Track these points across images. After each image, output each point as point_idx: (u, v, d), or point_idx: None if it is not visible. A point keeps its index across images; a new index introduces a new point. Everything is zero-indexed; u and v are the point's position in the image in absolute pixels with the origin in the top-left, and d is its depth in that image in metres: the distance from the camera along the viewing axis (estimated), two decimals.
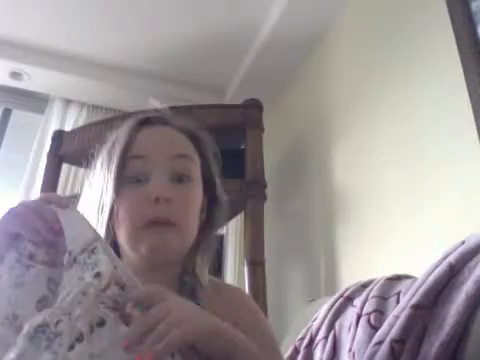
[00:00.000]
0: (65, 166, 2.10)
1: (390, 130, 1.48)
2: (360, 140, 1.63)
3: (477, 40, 1.19)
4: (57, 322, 0.46)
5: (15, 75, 2.34)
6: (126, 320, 0.49)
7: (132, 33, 2.20)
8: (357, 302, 0.84)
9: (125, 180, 0.66)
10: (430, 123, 1.30)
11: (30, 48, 2.27)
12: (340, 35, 1.93)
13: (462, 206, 1.13)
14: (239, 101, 1.88)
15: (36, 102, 2.52)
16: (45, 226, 0.53)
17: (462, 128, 1.18)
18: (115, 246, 0.66)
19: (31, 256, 0.52)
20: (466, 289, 0.57)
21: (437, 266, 0.66)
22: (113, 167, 0.67)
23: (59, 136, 1.96)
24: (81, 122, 2.40)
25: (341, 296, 0.91)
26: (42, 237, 0.53)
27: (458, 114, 1.20)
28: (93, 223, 0.66)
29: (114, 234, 0.66)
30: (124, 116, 1.94)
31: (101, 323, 0.47)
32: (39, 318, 0.46)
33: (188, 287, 0.67)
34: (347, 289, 0.92)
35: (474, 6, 1.22)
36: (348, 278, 1.52)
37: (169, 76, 2.45)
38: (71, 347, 0.45)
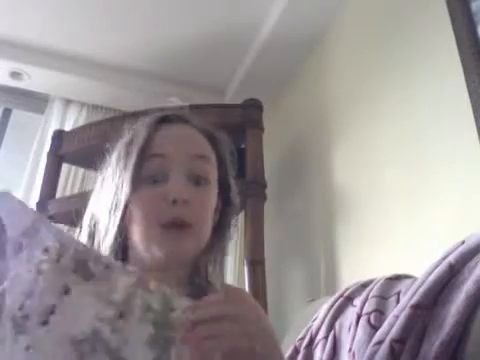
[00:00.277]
0: (65, 166, 2.11)
1: (390, 130, 1.48)
2: (360, 140, 1.63)
3: (477, 40, 1.19)
4: (20, 306, 0.46)
5: (15, 75, 2.34)
6: (88, 277, 0.49)
7: (132, 33, 2.20)
8: (357, 302, 0.84)
9: (142, 179, 0.65)
10: (430, 123, 1.30)
11: (30, 48, 2.27)
12: (340, 35, 1.93)
13: (462, 206, 1.14)
14: (239, 101, 1.88)
15: (36, 102, 2.52)
16: None
17: (462, 128, 1.18)
18: (124, 244, 0.65)
19: None
20: (466, 289, 0.57)
21: (437, 266, 0.66)
22: (130, 165, 0.65)
23: (59, 136, 1.96)
24: (81, 122, 2.39)
25: (341, 296, 0.91)
26: None
27: (458, 114, 1.20)
28: (105, 221, 0.66)
29: (125, 232, 0.65)
30: (124, 116, 1.95)
31: (67, 291, 0.47)
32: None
33: (197, 287, 0.66)
34: (347, 289, 0.92)
35: (474, 6, 1.22)
36: (348, 278, 1.52)
37: (169, 76, 2.45)
38: (45, 323, 0.46)
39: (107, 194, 0.68)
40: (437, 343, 0.57)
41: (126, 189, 0.64)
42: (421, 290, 0.63)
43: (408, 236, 1.30)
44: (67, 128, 2.29)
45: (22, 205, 0.55)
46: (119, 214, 0.64)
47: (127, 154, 0.68)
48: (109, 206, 0.66)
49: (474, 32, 1.20)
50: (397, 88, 1.48)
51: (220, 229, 0.72)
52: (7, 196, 0.56)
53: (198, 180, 0.67)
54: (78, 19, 2.12)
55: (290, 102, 2.31)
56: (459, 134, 1.19)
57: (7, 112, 2.50)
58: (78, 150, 1.86)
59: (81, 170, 2.27)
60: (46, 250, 0.50)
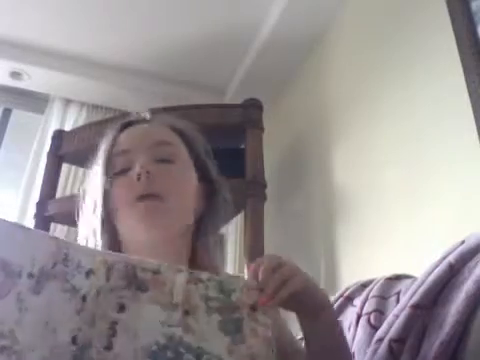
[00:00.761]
0: (65, 166, 2.10)
1: (390, 130, 1.48)
2: (360, 140, 1.63)
3: (477, 40, 1.19)
4: (73, 340, 0.45)
5: (15, 75, 2.34)
6: (143, 287, 0.49)
7: (132, 33, 2.20)
8: (357, 302, 0.84)
9: (114, 175, 0.70)
10: (430, 123, 1.30)
11: (30, 48, 2.27)
12: (340, 35, 1.93)
13: (462, 206, 1.14)
14: (239, 101, 1.88)
15: (36, 102, 2.52)
16: None
17: (462, 128, 1.18)
18: (116, 241, 0.69)
19: None
20: (466, 289, 0.57)
21: (437, 266, 0.66)
22: (101, 166, 0.72)
23: (59, 136, 1.96)
24: (81, 122, 2.39)
25: (341, 296, 0.91)
26: None
27: (458, 114, 1.20)
28: (91, 220, 0.70)
29: (114, 227, 0.69)
30: (124, 116, 1.94)
31: (122, 308, 0.47)
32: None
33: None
34: (347, 289, 0.92)
35: (474, 6, 1.22)
36: (348, 278, 1.52)
37: (169, 76, 2.44)
38: (108, 347, 0.45)
39: (89, 199, 0.74)
40: (437, 343, 0.57)
41: (99, 185, 0.70)
42: (421, 290, 0.63)
43: (408, 236, 1.30)
44: (67, 128, 2.29)
45: (33, 235, 0.52)
46: (99, 211, 0.69)
47: (104, 166, 0.73)
48: (91, 208, 0.72)
49: (474, 32, 1.20)
50: (397, 88, 1.48)
51: (210, 211, 0.75)
52: (8, 229, 0.51)
53: (163, 160, 0.71)
54: (78, 19, 2.12)
55: (290, 102, 2.31)
56: (459, 134, 1.19)
57: (7, 112, 2.49)
58: (78, 150, 1.86)
59: (81, 170, 2.26)
60: (90, 272, 0.49)
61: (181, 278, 0.50)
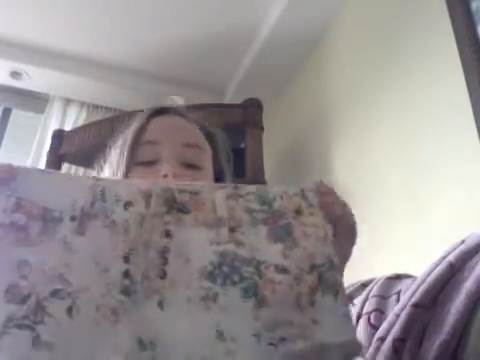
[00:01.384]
0: (65, 166, 2.10)
1: (390, 129, 1.48)
2: (360, 139, 1.63)
3: (477, 40, 1.19)
4: (126, 273, 0.44)
5: (15, 75, 2.34)
6: (185, 209, 0.48)
7: (132, 33, 2.20)
8: (357, 301, 0.84)
9: (136, 164, 0.68)
10: (430, 122, 1.30)
11: (30, 48, 2.27)
12: (340, 35, 1.93)
13: (462, 205, 1.14)
14: (239, 101, 1.88)
15: (36, 102, 2.52)
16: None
17: (462, 128, 1.18)
18: None
19: None
20: (466, 288, 0.57)
21: (437, 265, 0.66)
22: (125, 151, 0.69)
23: (59, 136, 1.96)
24: (81, 122, 2.39)
25: None
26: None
27: (458, 113, 1.20)
28: None
29: None
30: (124, 116, 1.95)
31: (169, 234, 0.47)
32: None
33: None
34: (347, 288, 0.92)
35: (474, 6, 1.22)
36: (348, 277, 1.52)
37: (169, 76, 2.45)
38: (163, 276, 0.44)
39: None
40: (437, 343, 0.57)
41: (121, 171, 0.68)
42: (421, 289, 0.63)
43: (408, 235, 1.30)
44: (67, 128, 2.29)
45: (68, 180, 0.51)
46: None
47: (124, 143, 0.71)
48: None
49: (474, 32, 1.20)
50: (397, 87, 1.48)
51: None
52: (47, 176, 0.50)
53: (190, 165, 0.69)
54: (78, 19, 2.12)
55: (290, 102, 2.31)
56: (459, 134, 1.19)
57: (7, 112, 2.49)
58: (78, 150, 1.86)
59: (81, 170, 2.26)
60: (128, 204, 0.48)
61: (221, 194, 0.49)
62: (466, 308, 0.56)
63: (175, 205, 0.48)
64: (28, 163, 2.29)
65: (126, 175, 0.67)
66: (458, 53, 1.22)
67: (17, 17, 2.12)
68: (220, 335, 0.42)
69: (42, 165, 2.08)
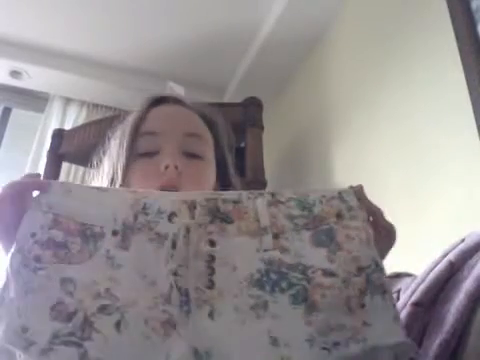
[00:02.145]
0: (65, 165, 2.10)
1: (391, 129, 1.48)
2: (360, 139, 1.63)
3: (477, 39, 1.19)
4: (172, 285, 0.44)
5: (15, 74, 2.34)
6: (229, 219, 0.48)
7: (132, 32, 2.20)
8: None
9: (137, 155, 0.67)
10: (430, 121, 1.30)
11: (30, 47, 2.27)
12: (340, 34, 1.92)
13: (463, 205, 1.13)
14: (239, 100, 1.88)
15: (36, 101, 2.52)
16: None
17: (462, 127, 1.18)
18: None
19: (37, 258, 0.45)
20: (466, 287, 0.57)
21: (437, 264, 0.66)
22: (125, 142, 0.68)
23: (59, 135, 1.96)
24: (81, 121, 2.39)
25: None
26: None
27: (458, 113, 1.20)
28: None
29: None
30: (124, 114, 1.94)
31: (213, 244, 0.47)
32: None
33: None
34: None
35: (474, 5, 1.22)
36: None
37: (169, 75, 2.44)
38: (210, 286, 0.44)
39: (105, 173, 0.70)
40: (437, 342, 0.57)
41: (121, 165, 0.67)
42: (421, 288, 0.63)
43: (409, 235, 1.29)
44: (67, 127, 2.29)
45: (110, 194, 0.50)
46: (118, 185, 0.66)
47: (123, 134, 0.70)
48: (107, 183, 0.68)
49: (474, 31, 1.20)
50: (398, 87, 1.48)
51: None
52: (87, 192, 0.50)
53: (192, 155, 0.68)
54: (78, 18, 2.12)
55: (290, 101, 2.31)
56: (459, 133, 1.19)
57: (7, 111, 2.49)
58: (78, 149, 1.86)
59: (81, 169, 2.26)
60: (173, 215, 0.48)
61: (262, 202, 0.49)
62: (466, 308, 0.56)
63: (218, 215, 0.48)
64: (28, 162, 2.29)
65: (126, 167, 0.66)
66: (458, 52, 1.22)
67: (17, 16, 2.12)
68: (274, 341, 0.42)
69: (42, 164, 2.08)
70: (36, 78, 2.37)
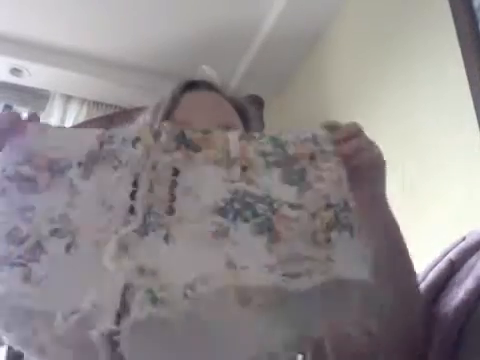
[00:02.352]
0: None
1: (392, 127, 1.47)
2: None
3: (479, 37, 1.19)
4: (130, 209, 0.44)
5: (15, 71, 2.33)
6: (196, 147, 0.47)
7: (132, 29, 2.19)
8: None
9: None
10: (431, 120, 1.30)
11: (30, 44, 2.27)
12: (341, 31, 1.92)
13: (464, 203, 1.13)
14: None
15: (37, 98, 2.52)
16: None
17: (463, 125, 1.17)
18: None
19: (3, 190, 0.47)
20: (465, 286, 0.57)
21: (437, 262, 0.66)
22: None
23: None
24: (81, 118, 2.39)
25: None
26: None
27: (460, 111, 1.20)
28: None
29: None
30: (124, 112, 1.94)
31: (176, 173, 0.46)
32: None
33: None
34: None
35: (476, 3, 1.21)
36: None
37: (170, 72, 2.44)
38: (170, 212, 0.44)
39: None
40: (437, 340, 0.57)
41: None
42: (422, 287, 0.63)
43: (409, 234, 1.29)
44: (68, 124, 2.29)
45: (76, 131, 0.52)
46: None
47: (154, 119, 0.67)
48: None
49: (476, 29, 1.20)
50: (399, 84, 1.48)
51: None
52: (55, 131, 0.52)
53: None
54: (78, 15, 2.11)
55: (291, 98, 2.30)
56: (461, 131, 1.19)
57: (7, 109, 2.49)
58: None
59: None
60: (136, 140, 0.47)
61: (233, 135, 0.49)
62: (465, 307, 0.56)
63: (184, 141, 0.47)
64: None
65: None
66: (460, 50, 1.21)
67: (17, 14, 2.11)
68: (230, 263, 0.41)
69: None
70: (36, 76, 2.37)
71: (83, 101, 2.50)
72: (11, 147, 0.49)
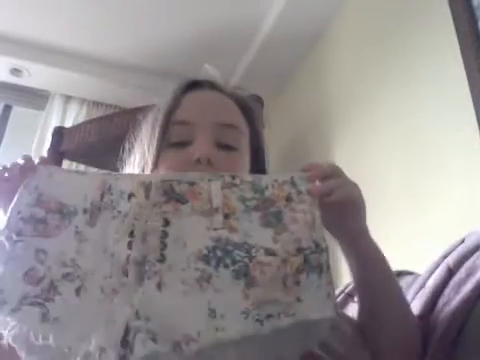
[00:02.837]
0: (66, 163, 2.10)
1: (392, 127, 1.47)
2: (361, 136, 1.63)
3: (479, 36, 1.19)
4: (127, 257, 0.49)
5: (15, 71, 2.33)
6: (183, 199, 0.52)
7: (132, 29, 2.19)
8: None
9: (168, 144, 0.65)
10: (431, 120, 1.30)
11: (30, 44, 2.27)
12: (342, 30, 1.92)
13: (464, 204, 1.13)
14: None
15: (36, 98, 2.52)
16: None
17: (463, 125, 1.17)
18: None
19: (19, 232, 0.52)
20: (463, 290, 0.57)
21: (437, 265, 0.66)
22: (156, 131, 0.65)
23: (59, 132, 1.96)
24: (81, 118, 2.39)
25: (342, 292, 0.91)
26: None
27: (460, 110, 1.19)
28: None
29: None
30: (124, 112, 1.94)
31: (167, 223, 0.51)
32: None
33: None
34: (348, 285, 0.92)
35: (476, 2, 1.21)
36: (349, 275, 1.52)
37: (170, 72, 2.44)
38: (161, 260, 0.49)
39: (137, 161, 0.69)
40: (435, 338, 0.57)
41: (152, 154, 0.65)
42: (421, 295, 0.64)
43: (410, 233, 1.30)
44: (67, 125, 2.29)
45: (79, 176, 0.56)
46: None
47: (155, 120, 0.67)
48: (139, 171, 0.67)
49: (476, 28, 1.19)
50: (399, 84, 1.48)
51: None
52: (63, 174, 0.57)
53: (226, 146, 0.65)
54: (78, 15, 2.11)
55: (291, 98, 2.30)
56: (460, 131, 1.19)
57: (7, 109, 2.49)
58: (78, 147, 1.85)
59: (82, 167, 2.26)
60: (131, 196, 0.53)
61: (216, 185, 0.53)
62: (463, 309, 0.56)
63: (173, 195, 0.52)
64: None
65: (157, 156, 0.64)
66: (459, 49, 1.21)
67: (17, 14, 2.11)
68: (212, 312, 0.46)
69: None
70: (36, 76, 2.37)
71: (83, 101, 2.50)
72: (24, 190, 0.54)
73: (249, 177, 0.55)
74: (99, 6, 2.06)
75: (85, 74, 2.36)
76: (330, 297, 0.49)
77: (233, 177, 0.54)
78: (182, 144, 0.64)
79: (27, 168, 0.54)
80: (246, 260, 0.49)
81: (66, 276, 0.49)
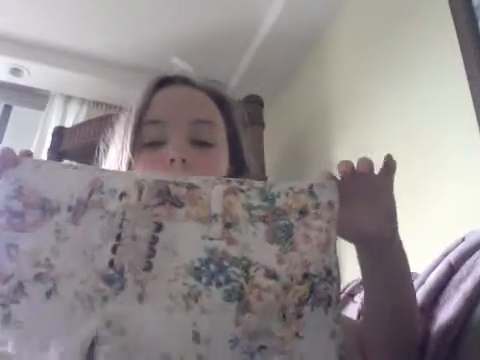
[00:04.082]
0: (65, 163, 2.10)
1: (391, 126, 1.47)
2: (361, 136, 1.63)
3: (479, 35, 1.19)
4: (110, 262, 0.44)
5: (15, 71, 2.33)
6: (179, 203, 0.46)
7: (132, 29, 2.19)
8: (358, 298, 0.84)
9: (142, 144, 0.63)
10: (431, 119, 1.30)
11: (30, 44, 2.27)
12: (341, 31, 1.92)
13: (464, 204, 1.13)
14: (239, 97, 1.87)
15: (36, 98, 2.52)
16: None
17: (463, 124, 1.17)
18: None
19: None
20: (464, 287, 0.57)
21: (438, 263, 0.66)
22: (129, 132, 0.63)
23: (59, 132, 1.96)
24: (81, 118, 2.39)
25: (342, 292, 0.91)
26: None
27: (460, 109, 1.20)
28: None
29: None
30: (125, 112, 1.94)
31: (159, 228, 0.45)
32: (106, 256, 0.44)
33: None
34: (348, 285, 0.92)
35: (475, 1, 1.21)
36: (349, 274, 1.52)
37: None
38: (148, 268, 0.43)
39: (113, 162, 0.67)
40: (435, 340, 0.57)
41: (126, 155, 0.63)
42: (421, 291, 0.64)
43: (410, 233, 1.29)
44: (67, 124, 2.29)
45: (69, 172, 0.50)
46: None
47: (128, 121, 0.65)
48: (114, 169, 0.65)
49: (476, 27, 1.20)
50: (398, 84, 1.48)
51: None
52: (50, 169, 0.51)
53: (201, 143, 0.63)
54: (78, 15, 2.11)
55: (291, 98, 2.30)
56: (460, 129, 1.19)
57: (7, 109, 2.49)
58: (78, 147, 1.86)
59: None
60: (123, 195, 0.47)
61: (218, 190, 0.46)
62: (464, 308, 0.56)
63: (168, 198, 0.46)
64: None
65: (131, 158, 0.62)
66: (459, 48, 1.21)
67: (17, 14, 2.11)
68: (196, 336, 0.40)
69: None
70: (36, 76, 2.37)
71: (83, 101, 2.50)
72: (4, 181, 0.49)
73: (260, 183, 0.47)
74: (99, 6, 2.06)
75: (85, 74, 2.36)
76: (335, 337, 0.42)
77: (241, 182, 0.47)
78: (156, 144, 0.62)
79: (7, 160, 0.49)
80: (242, 280, 0.42)
81: (37, 276, 0.44)
